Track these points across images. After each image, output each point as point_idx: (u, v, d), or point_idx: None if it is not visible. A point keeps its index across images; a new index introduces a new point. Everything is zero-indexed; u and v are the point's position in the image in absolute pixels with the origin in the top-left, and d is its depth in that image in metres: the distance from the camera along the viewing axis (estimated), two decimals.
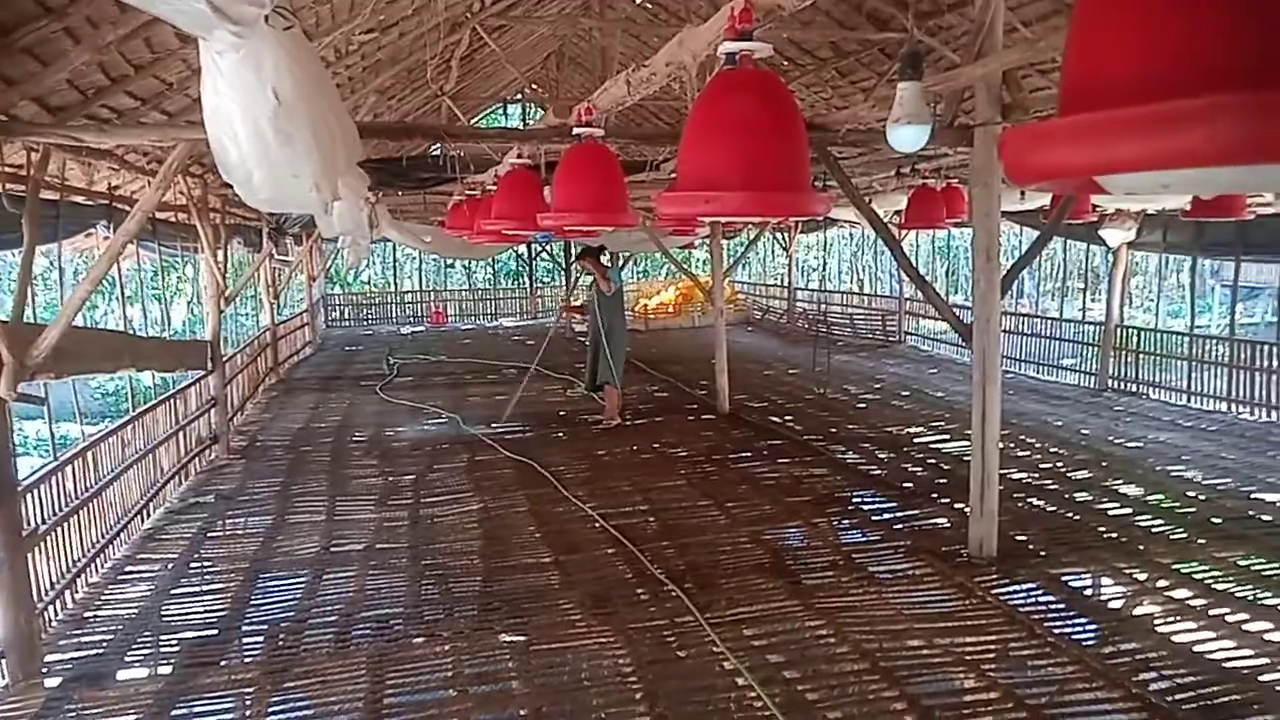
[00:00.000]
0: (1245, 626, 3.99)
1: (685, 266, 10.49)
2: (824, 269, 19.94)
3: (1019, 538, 5.13)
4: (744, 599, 4.39)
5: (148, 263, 8.69)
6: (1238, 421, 8.54)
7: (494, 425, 8.52)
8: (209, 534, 5.71)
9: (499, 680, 3.71)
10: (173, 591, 4.75)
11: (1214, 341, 9.68)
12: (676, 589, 4.49)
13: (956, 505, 5.71)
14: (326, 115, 2.05)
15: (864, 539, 5.33)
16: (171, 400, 6.97)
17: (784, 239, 17.67)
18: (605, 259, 8.35)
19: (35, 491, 4.49)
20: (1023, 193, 8.13)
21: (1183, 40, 0.80)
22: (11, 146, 3.88)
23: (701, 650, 3.88)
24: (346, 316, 20.13)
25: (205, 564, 5.18)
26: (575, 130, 3.29)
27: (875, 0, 6.32)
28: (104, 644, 4.14)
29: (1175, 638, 3.90)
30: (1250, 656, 3.72)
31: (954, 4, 6.01)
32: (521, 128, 9.26)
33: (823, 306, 16.58)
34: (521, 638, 4.05)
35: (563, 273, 21.04)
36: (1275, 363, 8.70)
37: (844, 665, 3.72)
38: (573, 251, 13.37)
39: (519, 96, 14.74)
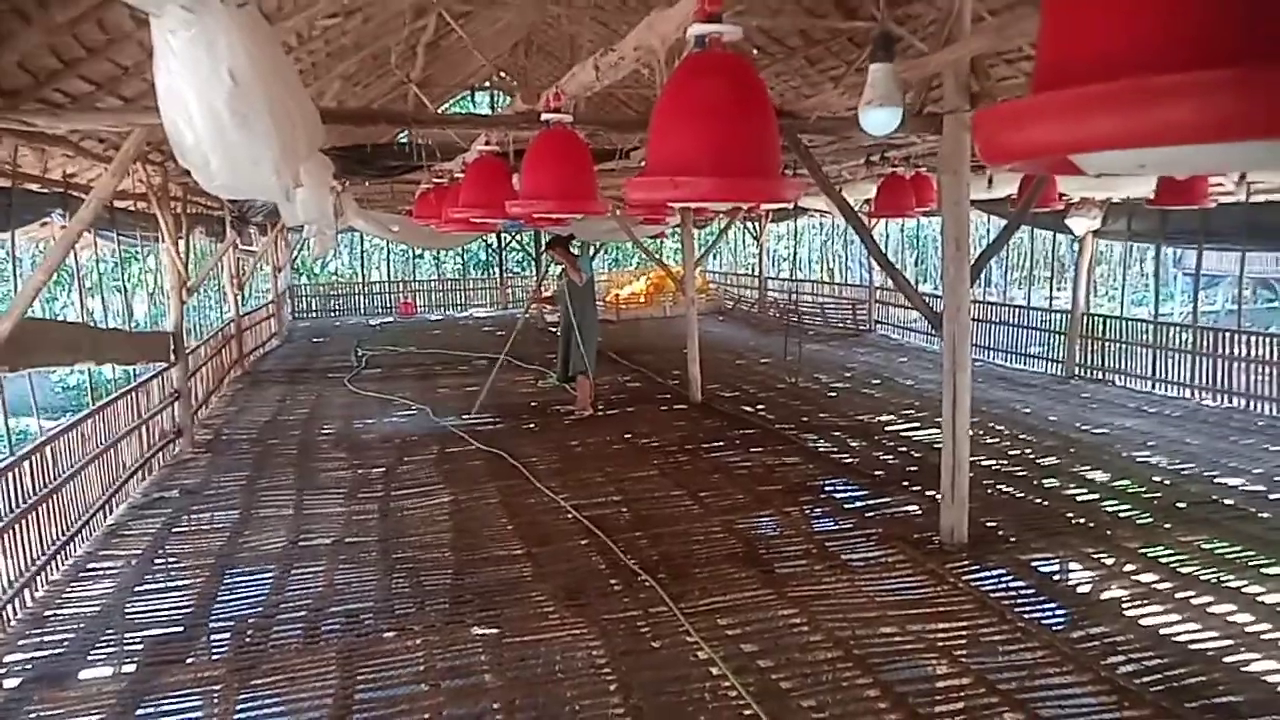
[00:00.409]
0: (1210, 609, 4.04)
1: (657, 256, 10.45)
2: (794, 258, 20.00)
3: (989, 524, 5.18)
4: (717, 589, 4.39)
5: (108, 253, 8.51)
6: (1200, 407, 8.68)
7: (465, 416, 8.45)
8: (174, 529, 5.60)
9: (471, 674, 3.67)
10: (137, 588, 4.65)
11: (1177, 329, 9.83)
12: (650, 579, 4.48)
13: (928, 492, 5.75)
14: (285, 98, 1.98)
15: (836, 527, 5.35)
16: (133, 393, 6.83)
17: (755, 228, 17.70)
18: (576, 248, 8.29)
19: None
20: (990, 181, 8.19)
21: (1163, 15, 0.78)
22: None
23: (675, 640, 3.87)
24: (314, 307, 19.88)
25: (170, 560, 5.09)
26: (544, 116, 3.24)
27: None
28: (65, 643, 4.05)
29: (1142, 621, 3.95)
30: (1215, 639, 3.77)
31: (882, 19, 6.00)
32: (489, 115, 9.15)
33: (794, 296, 16.64)
34: (494, 630, 4.01)
35: (533, 263, 20.93)
36: (1236, 350, 8.86)
37: (817, 653, 3.73)
38: (542, 241, 13.31)
39: (487, 85, 14.59)
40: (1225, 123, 0.72)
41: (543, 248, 8.66)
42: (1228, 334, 9.13)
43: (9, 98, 3.97)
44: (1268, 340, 8.78)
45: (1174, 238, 9.70)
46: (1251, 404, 8.56)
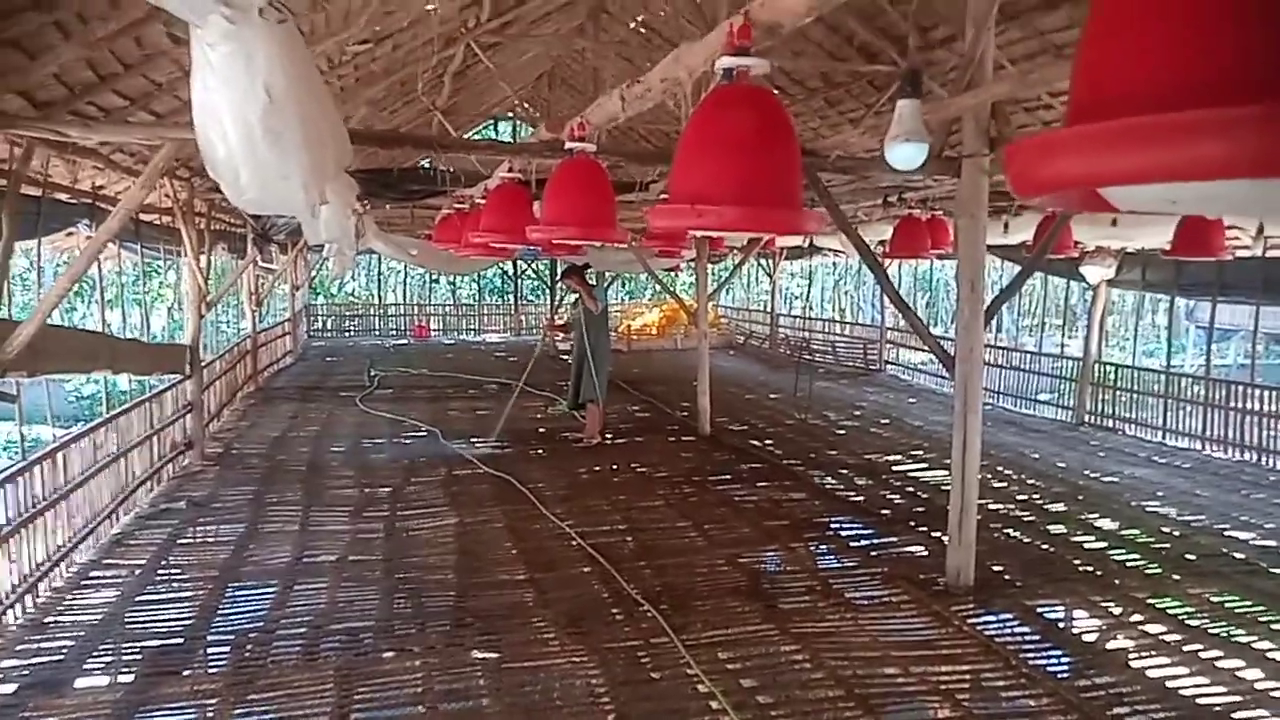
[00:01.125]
0: (1218, 664, 3.99)
1: (671, 289, 10.50)
2: (807, 297, 20.05)
3: (995, 568, 5.13)
4: (720, 622, 4.35)
5: (130, 266, 8.61)
6: (1211, 459, 8.62)
7: (476, 442, 8.44)
8: (179, 541, 5.60)
9: (469, 698, 3.64)
10: (138, 598, 4.64)
11: (1189, 380, 9.79)
12: (652, 609, 4.45)
13: (934, 534, 5.71)
14: (317, 116, 2.03)
15: (841, 565, 5.31)
16: (147, 404, 6.88)
17: (768, 265, 17.77)
18: (591, 278, 8.35)
19: (1, 492, 4.40)
20: (1006, 226, 8.23)
21: (1199, 50, 0.80)
22: None
23: (676, 672, 3.84)
24: (329, 327, 20.01)
25: (174, 571, 5.08)
26: (568, 145, 3.29)
27: (866, 34, 6.39)
28: (64, 650, 4.04)
29: (1149, 673, 3.89)
30: (1223, 694, 3.72)
31: (944, 39, 6.09)
32: (513, 142, 9.28)
33: (805, 333, 16.65)
34: (494, 655, 3.99)
35: (547, 290, 21.05)
36: (1248, 403, 8.81)
37: (819, 691, 3.69)
38: (558, 270, 13.39)
39: (510, 115, 14.78)
40: (1255, 158, 0.74)
41: (559, 276, 8.69)
42: (1240, 387, 9.08)
43: (44, 109, 4.06)
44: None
45: (1188, 289, 9.69)
46: (1263, 458, 8.48)
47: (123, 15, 3.26)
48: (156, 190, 6.71)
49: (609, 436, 8.71)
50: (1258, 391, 8.87)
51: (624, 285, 24.40)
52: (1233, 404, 8.93)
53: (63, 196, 5.48)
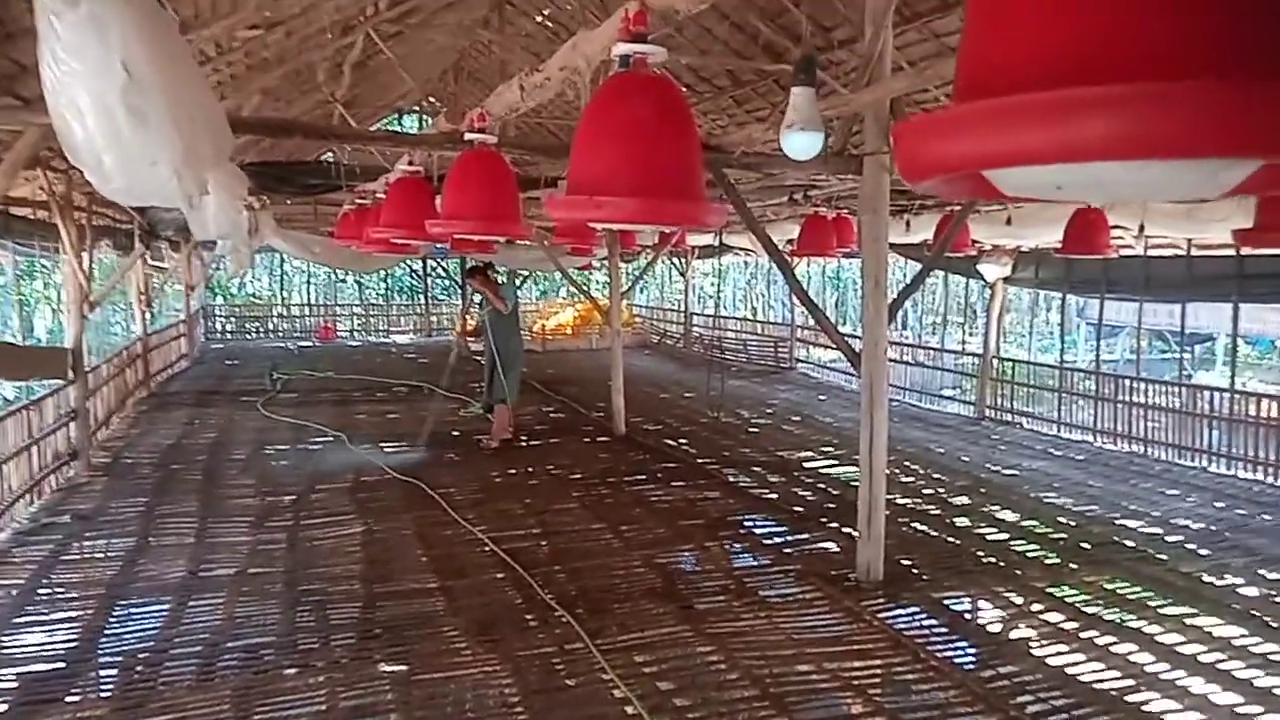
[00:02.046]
0: (1113, 649, 4.13)
1: (584, 288, 10.41)
2: (719, 295, 20.24)
3: (905, 562, 5.23)
4: (635, 625, 4.30)
5: (6, 265, 8.05)
6: (1102, 451, 9.02)
7: (385, 448, 8.19)
8: (62, 557, 5.26)
9: (377, 713, 3.50)
10: (15, 620, 4.33)
11: (1081, 375, 10.24)
12: (567, 615, 4.37)
13: (845, 529, 5.79)
14: (187, 97, 1.87)
15: (755, 563, 5.33)
16: (24, 411, 6.43)
17: (681, 264, 17.86)
18: (501, 276, 8.19)
19: None
20: (908, 225, 8.45)
21: (1086, 26, 0.77)
22: None
23: (591, 678, 3.77)
24: (229, 329, 19.22)
25: (56, 590, 4.76)
26: (467, 136, 3.18)
27: (770, 32, 6.45)
28: None
29: (1049, 660, 4.01)
30: (1118, 678, 3.85)
31: (844, 41, 6.19)
32: (412, 134, 9.05)
33: (717, 332, 16.79)
34: (403, 667, 3.85)
35: (459, 290, 20.70)
36: (1135, 396, 9.26)
37: (734, 692, 3.67)
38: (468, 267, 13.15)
39: (416, 108, 14.44)
40: (1136, 138, 0.71)
41: (464, 276, 8.50)
42: (1127, 381, 9.54)
43: None
44: (1163, 388, 9.21)
45: (1078, 286, 10.13)
46: (1149, 449, 8.93)
47: None
48: (30, 183, 6.27)
49: (523, 439, 8.58)
50: (1143, 385, 9.34)
51: (538, 284, 24.18)
52: (1120, 397, 9.38)
53: None
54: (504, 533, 5.72)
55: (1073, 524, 6.17)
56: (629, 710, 3.49)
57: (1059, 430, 9.90)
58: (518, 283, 11.30)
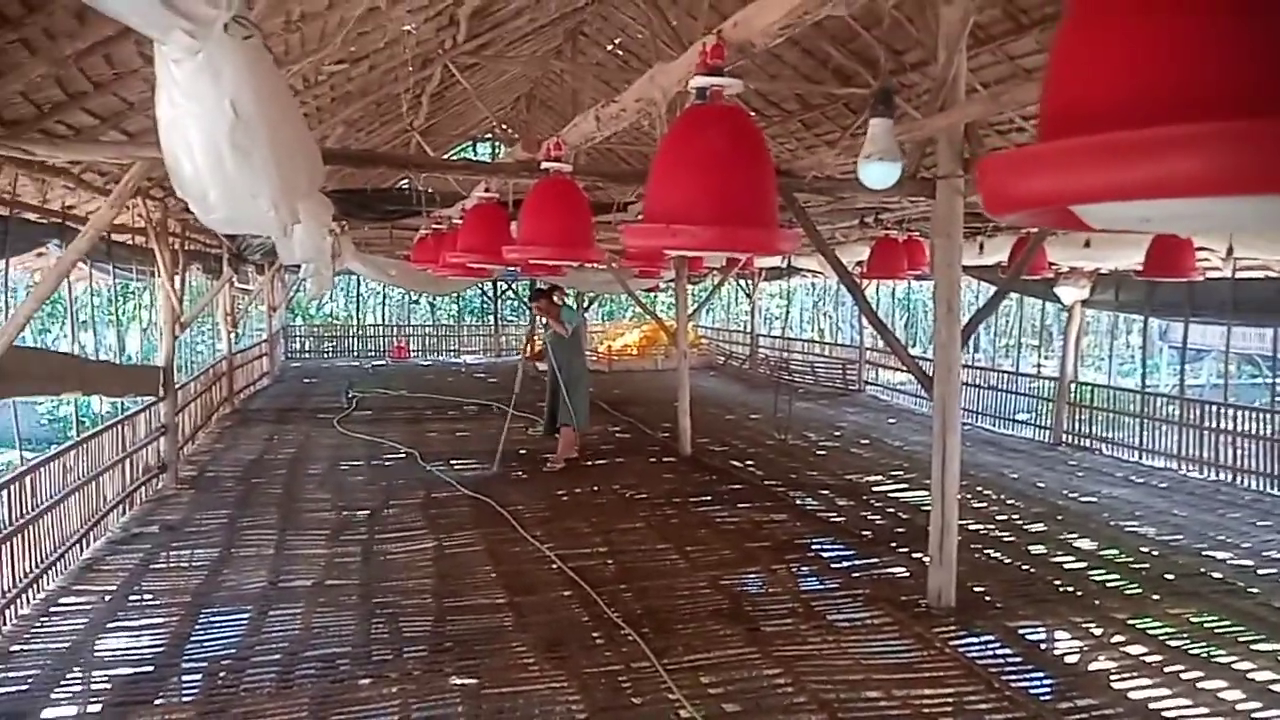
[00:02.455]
0: (1200, 685, 3.98)
1: (651, 309, 10.49)
2: (786, 317, 20.12)
3: (977, 589, 5.12)
4: (701, 645, 4.31)
5: (104, 287, 8.50)
6: (1187, 479, 8.68)
7: (455, 465, 8.34)
8: (151, 566, 5.50)
9: None
10: (108, 625, 4.54)
11: (1164, 400, 9.88)
12: (633, 633, 4.40)
13: (915, 555, 5.70)
14: (287, 134, 1.99)
15: (823, 587, 5.28)
16: (119, 426, 6.76)
17: (748, 285, 17.83)
18: (569, 299, 8.31)
19: None
20: (981, 247, 8.31)
21: (1175, 65, 0.79)
22: None
23: (657, 697, 3.79)
24: (307, 348, 19.84)
25: (145, 597, 4.98)
26: (544, 164, 3.28)
27: (841, 57, 6.46)
28: (30, 680, 3.93)
29: (1131, 694, 3.88)
30: (1205, 716, 3.71)
31: (916, 64, 6.16)
32: (490, 162, 9.26)
33: (784, 354, 16.69)
34: (472, 680, 3.93)
35: (527, 311, 21.01)
36: (1222, 423, 8.90)
37: (801, 716, 3.65)
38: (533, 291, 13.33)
39: (489, 136, 14.79)
40: (1227, 175, 0.72)
41: (529, 301, 8.59)
42: (1214, 407, 9.18)
43: (10, 127, 4.00)
44: (1253, 414, 8.83)
45: (1161, 310, 9.79)
46: (1238, 478, 8.56)
47: (92, 32, 3.22)
48: (130, 210, 6.63)
49: (589, 458, 8.65)
50: (1231, 411, 8.97)
51: (603, 306, 24.41)
52: (1207, 424, 9.02)
53: (31, 216, 5.40)
54: (571, 550, 5.79)
55: (1156, 554, 5.96)
56: None
57: (1140, 457, 9.56)
58: (583, 305, 11.40)
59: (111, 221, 3.92)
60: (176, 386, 7.93)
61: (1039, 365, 12.85)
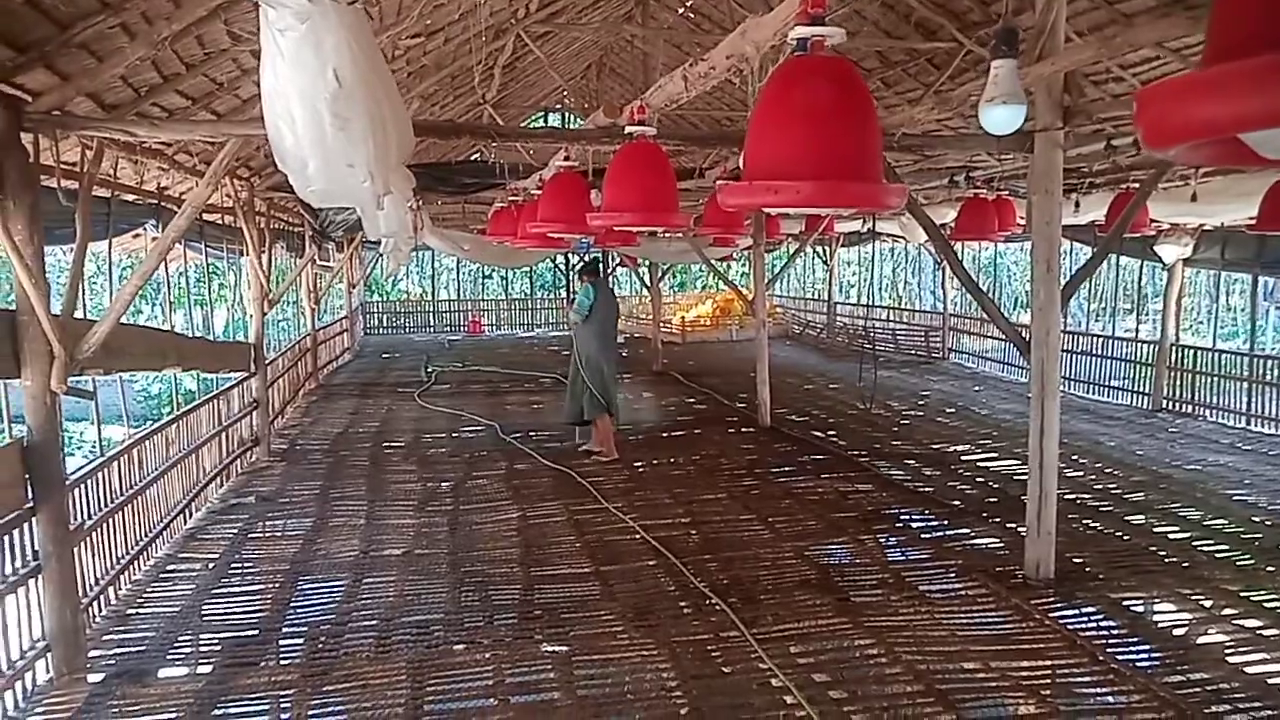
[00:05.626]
0: None
1: (725, 277, 10.37)
2: (865, 283, 19.71)
3: (1076, 559, 4.95)
4: (789, 615, 4.27)
5: (191, 267, 8.79)
6: None
7: (534, 436, 8.40)
8: (249, 535, 5.71)
9: (540, 690, 3.63)
10: (214, 591, 4.74)
11: (1275, 363, 9.35)
12: (720, 603, 4.38)
13: (1008, 525, 5.53)
14: (383, 103, 1.99)
15: (913, 558, 5.17)
16: (214, 401, 7.01)
17: (824, 253, 17.50)
18: (611, 275, 7.97)
19: (82, 487, 4.51)
20: (1077, 205, 7.93)
21: None
22: (67, 142, 3.90)
23: (747, 666, 3.77)
24: (384, 324, 20.30)
25: (246, 565, 5.17)
26: (627, 129, 3.22)
27: (924, 9, 6.19)
28: (146, 641, 4.13)
29: (1248, 669, 3.70)
30: None
31: (1006, 14, 5.86)
32: (571, 129, 9.19)
33: (865, 321, 16.36)
34: (563, 648, 3.97)
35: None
36: None
37: (895, 686, 3.58)
38: (612, 260, 13.22)
39: (559, 106, 14.77)
40: None
41: (577, 276, 7.41)
42: None
43: (111, 110, 4.13)
44: None
45: (1272, 267, 9.24)
46: None
47: (185, 14, 3.29)
48: (218, 190, 6.81)
49: (665, 431, 8.58)
50: None
51: (675, 277, 24.30)
52: None
53: (130, 197, 5.59)
54: (653, 521, 5.79)
55: (1269, 523, 5.67)
56: (787, 700, 3.47)
57: (1248, 423, 9.08)
58: (611, 281, 10.48)
59: (207, 200, 4.02)
60: (266, 362, 8.17)
61: (1136, 329, 12.30)
